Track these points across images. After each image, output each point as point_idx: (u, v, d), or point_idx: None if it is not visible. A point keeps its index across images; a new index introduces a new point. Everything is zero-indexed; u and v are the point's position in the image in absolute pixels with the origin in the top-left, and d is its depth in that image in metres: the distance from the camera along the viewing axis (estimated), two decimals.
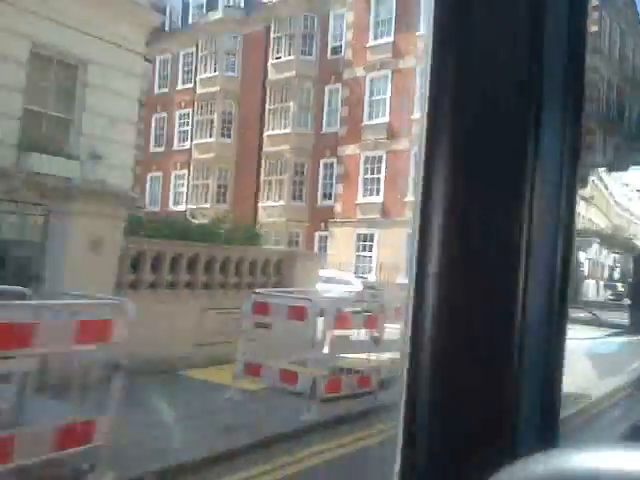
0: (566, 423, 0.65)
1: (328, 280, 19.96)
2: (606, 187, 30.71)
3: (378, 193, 25.69)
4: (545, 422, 0.54)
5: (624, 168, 29.41)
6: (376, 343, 7.78)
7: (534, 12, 0.53)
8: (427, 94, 0.56)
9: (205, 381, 8.01)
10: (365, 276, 23.14)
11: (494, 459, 0.42)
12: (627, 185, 30.82)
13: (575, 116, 0.55)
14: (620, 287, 27.57)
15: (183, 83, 33.47)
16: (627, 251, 30.99)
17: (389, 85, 25.00)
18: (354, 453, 6.10)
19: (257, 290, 7.73)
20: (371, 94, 25.73)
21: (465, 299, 0.53)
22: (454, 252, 0.53)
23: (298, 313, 6.91)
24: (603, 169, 27.17)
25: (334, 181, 27.47)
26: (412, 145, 24.41)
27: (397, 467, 0.54)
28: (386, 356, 8.30)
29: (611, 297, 26.95)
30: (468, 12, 0.54)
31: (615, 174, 29.07)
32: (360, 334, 8.00)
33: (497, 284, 0.52)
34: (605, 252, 32.21)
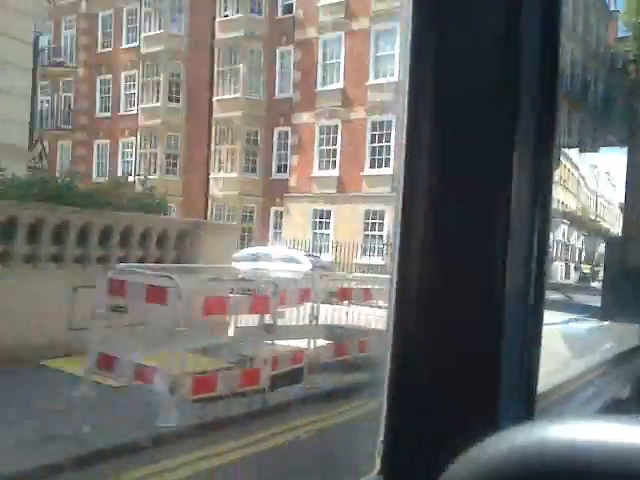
0: (541, 399, 0.66)
1: (274, 258, 18.95)
2: (576, 168, 30.18)
3: (334, 166, 24.54)
4: (523, 398, 0.58)
5: (595, 149, 28.57)
6: (268, 330, 6.70)
7: (511, 10, 0.55)
8: (407, 89, 0.56)
9: (62, 373, 6.85)
10: (317, 255, 22.06)
11: (475, 433, 0.46)
12: (596, 166, 30.31)
13: (550, 106, 0.58)
14: (585, 269, 27.31)
15: (128, 42, 31.64)
16: (593, 233, 30.64)
17: (343, 48, 23.71)
18: (212, 470, 5.03)
19: (118, 265, 6.57)
20: (324, 57, 24.41)
21: (447, 283, 0.55)
22: (436, 239, 0.55)
23: (158, 295, 5.76)
24: (574, 150, 26.37)
25: (289, 152, 26.24)
26: (368, 114, 23.28)
27: (380, 438, 0.57)
28: (286, 345, 7.27)
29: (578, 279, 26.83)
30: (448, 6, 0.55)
31: (585, 155, 28.33)
32: (255, 320, 6.93)
33: (478, 268, 0.55)
34: (575, 234, 31.89)
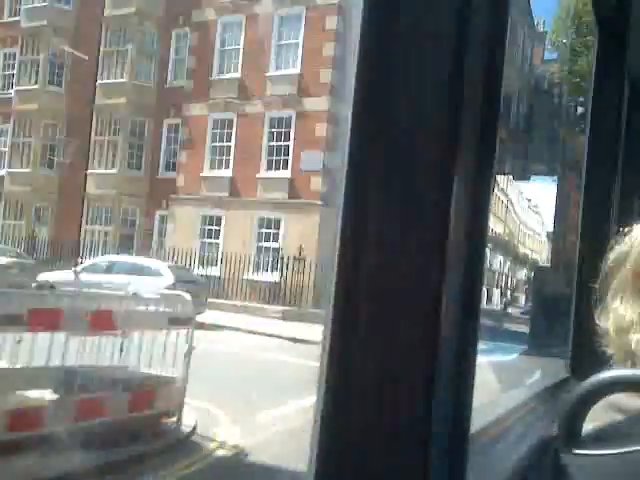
0: (474, 440, 0.69)
1: (131, 270, 16.64)
2: (505, 193, 30.54)
3: (227, 165, 22.58)
4: (455, 439, 0.59)
5: (526, 177, 28.15)
6: None
7: (457, 29, 0.58)
8: (353, 100, 0.58)
9: None
10: (186, 267, 19.88)
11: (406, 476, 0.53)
12: (522, 193, 30.85)
13: (491, 129, 0.62)
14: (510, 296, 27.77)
15: (10, 14, 28.89)
16: (517, 260, 31.25)
17: (243, 33, 21.93)
18: None
19: None
20: (223, 43, 22.53)
21: (383, 308, 0.56)
22: (375, 264, 0.56)
23: None
24: (505, 176, 25.90)
25: (179, 147, 24.11)
26: (266, 108, 21.54)
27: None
28: None
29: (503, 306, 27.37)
30: (396, 21, 0.57)
31: (515, 182, 28.20)
32: None
33: (414, 298, 0.56)
34: (499, 259, 32.24)
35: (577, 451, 0.76)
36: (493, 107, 0.62)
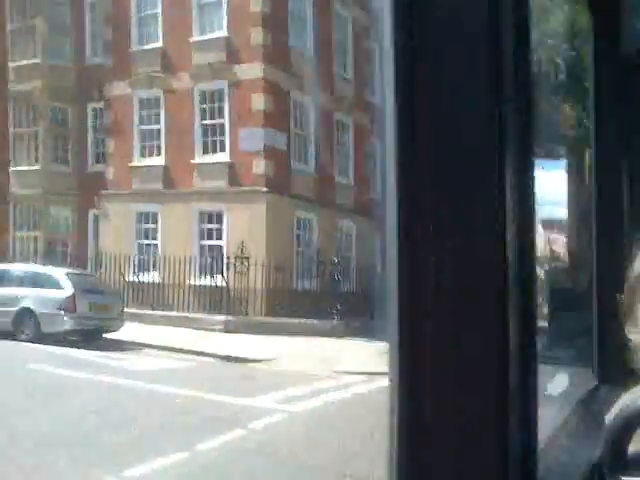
0: None
1: (23, 281, 14.02)
2: None
3: (159, 152, 19.72)
4: (527, 456, 0.59)
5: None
6: None
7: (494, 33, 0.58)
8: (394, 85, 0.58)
9: None
10: (90, 274, 17.09)
11: None
12: None
13: (531, 119, 0.64)
14: None
15: None
16: None
17: None
18: None
19: None
20: (139, 7, 19.47)
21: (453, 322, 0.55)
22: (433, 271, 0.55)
23: None
24: None
25: (105, 134, 21.23)
26: (195, 82, 18.59)
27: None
28: None
29: None
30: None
31: None
32: None
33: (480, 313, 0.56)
34: None
35: (624, 478, 0.77)
36: (529, 100, 0.63)
